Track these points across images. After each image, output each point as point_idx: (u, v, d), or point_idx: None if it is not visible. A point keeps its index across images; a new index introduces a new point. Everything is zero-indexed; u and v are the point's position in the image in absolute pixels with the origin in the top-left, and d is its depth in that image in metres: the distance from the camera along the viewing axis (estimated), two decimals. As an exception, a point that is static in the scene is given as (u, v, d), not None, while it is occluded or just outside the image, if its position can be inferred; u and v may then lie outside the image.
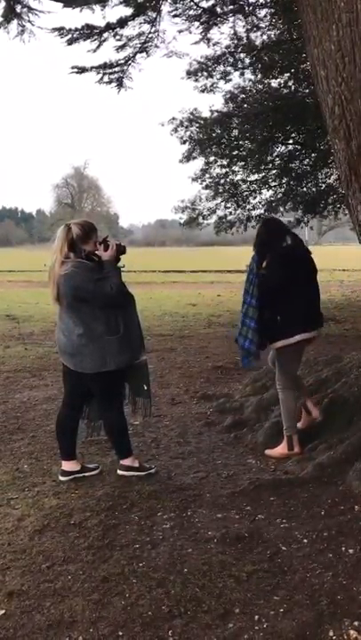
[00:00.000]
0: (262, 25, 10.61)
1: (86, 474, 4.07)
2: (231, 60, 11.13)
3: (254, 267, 4.25)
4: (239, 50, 10.94)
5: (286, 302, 4.24)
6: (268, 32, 10.89)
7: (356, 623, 2.44)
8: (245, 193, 13.28)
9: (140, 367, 4.04)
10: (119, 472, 4.09)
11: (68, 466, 4.08)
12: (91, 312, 3.79)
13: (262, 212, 13.36)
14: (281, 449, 4.37)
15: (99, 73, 9.58)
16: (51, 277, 3.85)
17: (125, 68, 9.49)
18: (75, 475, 4.04)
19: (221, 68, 11.30)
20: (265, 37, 10.97)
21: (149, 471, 4.08)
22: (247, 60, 11.21)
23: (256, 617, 2.52)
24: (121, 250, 3.91)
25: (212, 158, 12.73)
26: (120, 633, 2.45)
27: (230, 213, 13.44)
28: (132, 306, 3.97)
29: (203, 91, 11.66)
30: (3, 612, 2.62)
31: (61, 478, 4.04)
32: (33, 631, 2.48)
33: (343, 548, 3.03)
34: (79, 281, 3.74)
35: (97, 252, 3.88)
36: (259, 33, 10.82)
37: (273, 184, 13.41)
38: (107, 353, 3.81)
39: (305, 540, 3.14)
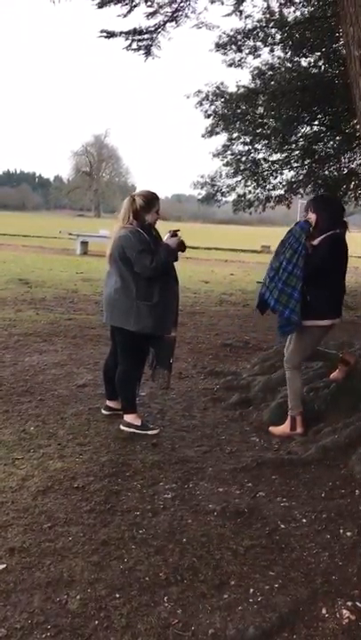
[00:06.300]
0: (296, 0, 10.40)
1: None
2: (262, 35, 10.88)
3: (303, 236, 4.17)
4: (271, 25, 10.71)
5: (322, 285, 4.24)
6: (302, 8, 10.66)
7: (349, 603, 2.48)
8: (266, 172, 13.07)
9: (168, 341, 4.34)
10: (121, 427, 4.36)
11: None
12: (131, 273, 4.17)
13: (282, 192, 13.20)
14: (283, 428, 4.40)
15: (127, 39, 9.38)
16: (111, 240, 4.29)
17: (155, 35, 9.29)
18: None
19: (251, 42, 11.05)
20: (298, 13, 10.73)
21: (148, 431, 4.30)
22: (278, 36, 10.96)
23: (251, 590, 2.57)
24: (183, 247, 4.31)
25: (235, 134, 12.52)
26: (117, 595, 2.50)
27: (250, 192, 13.27)
28: (173, 283, 4.29)
29: (230, 65, 11.42)
30: (4, 566, 2.68)
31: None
32: (32, 587, 2.54)
33: (341, 531, 3.07)
34: (129, 244, 4.13)
35: (165, 239, 4.32)
36: (292, 8, 10.60)
37: (295, 165, 13.20)
38: (133, 314, 4.18)
39: (304, 520, 3.18)
